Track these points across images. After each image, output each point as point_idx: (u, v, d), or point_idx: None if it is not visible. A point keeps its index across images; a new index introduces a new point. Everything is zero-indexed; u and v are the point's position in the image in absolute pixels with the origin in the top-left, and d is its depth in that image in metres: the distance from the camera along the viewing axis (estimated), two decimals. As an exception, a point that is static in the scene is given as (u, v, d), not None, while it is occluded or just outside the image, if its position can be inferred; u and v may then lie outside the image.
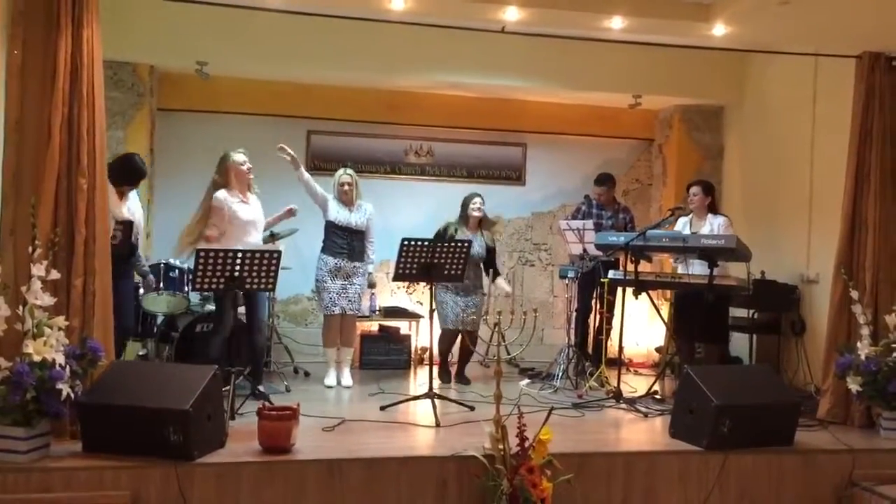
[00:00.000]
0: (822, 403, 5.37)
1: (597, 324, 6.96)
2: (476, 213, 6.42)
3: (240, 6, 5.32)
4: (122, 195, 5.40)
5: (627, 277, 5.86)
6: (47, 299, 4.02)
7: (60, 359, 3.92)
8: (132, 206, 5.48)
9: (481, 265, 6.46)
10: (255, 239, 5.63)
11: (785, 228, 6.76)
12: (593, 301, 6.91)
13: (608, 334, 6.62)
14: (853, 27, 5.17)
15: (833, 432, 4.94)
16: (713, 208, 6.41)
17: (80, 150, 4.35)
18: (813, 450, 4.63)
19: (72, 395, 3.93)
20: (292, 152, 5.95)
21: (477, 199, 6.46)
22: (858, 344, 5.05)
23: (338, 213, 6.14)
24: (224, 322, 5.46)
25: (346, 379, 6.21)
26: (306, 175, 6.09)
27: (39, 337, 3.93)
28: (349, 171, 6.31)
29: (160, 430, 3.86)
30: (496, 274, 6.53)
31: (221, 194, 5.53)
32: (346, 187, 6.19)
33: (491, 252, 6.54)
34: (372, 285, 6.53)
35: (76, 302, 4.29)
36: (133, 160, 5.48)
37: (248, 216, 5.60)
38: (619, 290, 6.24)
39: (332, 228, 6.17)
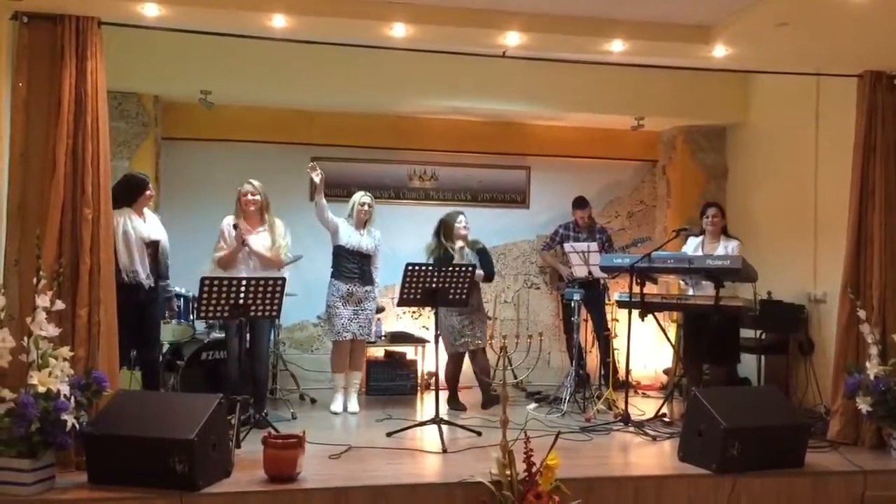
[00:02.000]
0: (832, 424, 5.34)
1: (595, 345, 6.97)
2: (464, 231, 6.40)
3: (243, 35, 5.36)
4: (139, 217, 5.46)
5: (633, 299, 5.85)
6: (52, 330, 4.03)
7: (65, 389, 3.93)
8: (153, 228, 5.51)
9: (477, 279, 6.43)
10: (246, 266, 5.63)
11: (791, 248, 6.73)
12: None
13: (608, 355, 6.60)
14: (853, 46, 5.18)
15: (844, 453, 4.90)
16: (724, 230, 6.37)
17: (84, 180, 4.39)
18: (824, 471, 4.59)
19: (77, 426, 3.92)
20: (322, 174, 5.97)
21: (462, 217, 6.45)
22: (867, 363, 5.02)
23: (349, 238, 6.16)
24: (231, 350, 5.56)
25: (353, 405, 6.19)
26: (323, 200, 6.10)
27: (44, 368, 3.93)
28: (369, 196, 6.36)
29: (165, 460, 3.85)
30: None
31: (226, 219, 5.71)
32: (367, 207, 6.24)
33: (484, 257, 6.49)
34: (380, 310, 6.51)
35: (81, 332, 4.31)
36: (131, 176, 5.63)
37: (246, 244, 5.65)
38: (624, 311, 6.24)
39: (342, 253, 6.18)
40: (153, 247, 5.47)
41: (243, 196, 5.72)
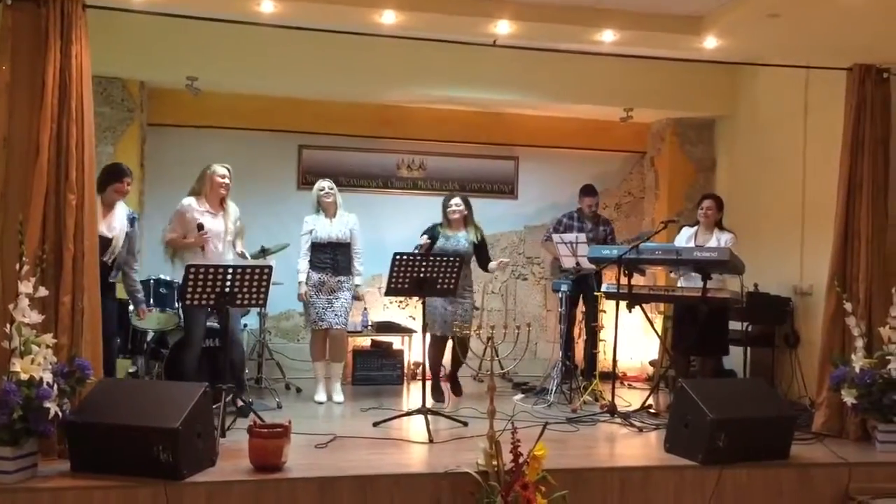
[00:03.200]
0: (817, 416, 5.36)
1: (581, 336, 6.95)
2: (455, 216, 6.36)
3: (230, 21, 5.30)
4: (108, 209, 5.28)
5: (621, 291, 5.84)
6: (35, 317, 3.98)
7: (48, 377, 3.88)
8: (115, 223, 5.29)
9: (472, 266, 6.41)
10: (217, 250, 5.55)
11: (778, 240, 6.75)
12: (577, 312, 6.87)
13: (595, 346, 6.61)
14: (844, 39, 5.19)
15: (829, 445, 4.92)
16: (719, 223, 6.33)
17: (68, 165, 4.33)
18: (809, 463, 4.61)
19: (59, 414, 3.88)
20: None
21: (454, 200, 6.40)
22: (853, 356, 5.04)
23: (318, 231, 6.12)
24: (194, 337, 5.51)
25: (338, 395, 6.16)
26: (303, 266, 6.14)
27: (27, 355, 3.89)
28: (329, 180, 6.31)
29: (149, 449, 3.81)
30: (487, 262, 6.44)
31: (187, 201, 5.60)
32: (326, 191, 6.17)
33: (480, 247, 6.44)
34: (358, 298, 6.43)
35: (65, 319, 4.25)
36: (110, 165, 5.50)
37: (212, 227, 5.54)
38: (611, 303, 6.24)
39: (314, 245, 6.15)
40: (102, 245, 5.02)
41: (219, 178, 5.57)
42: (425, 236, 6.27)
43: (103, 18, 4.78)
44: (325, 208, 6.19)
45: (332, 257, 6.13)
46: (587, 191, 7.19)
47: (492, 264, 6.38)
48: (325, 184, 6.25)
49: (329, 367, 6.27)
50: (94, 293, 4.38)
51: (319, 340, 6.23)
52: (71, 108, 4.35)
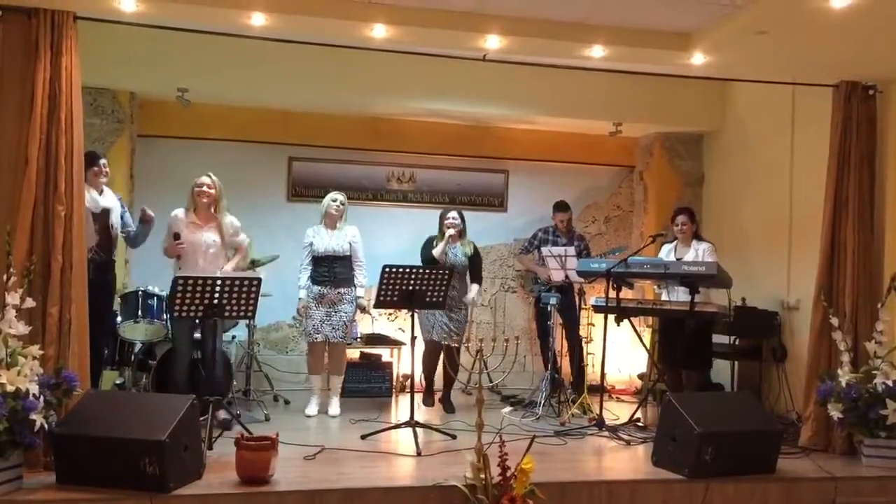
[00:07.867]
0: (803, 430, 5.38)
1: (564, 349, 6.98)
2: (449, 224, 6.44)
3: (221, 33, 5.31)
4: (99, 191, 5.40)
5: (609, 304, 5.86)
6: (22, 328, 3.98)
7: (34, 388, 3.87)
8: (105, 199, 5.45)
9: (467, 278, 6.51)
10: (203, 261, 5.55)
11: (765, 255, 6.79)
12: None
13: (583, 359, 6.62)
14: (830, 56, 5.23)
15: (815, 460, 4.95)
16: (696, 234, 6.41)
17: (57, 176, 4.33)
18: (795, 477, 4.62)
19: (45, 426, 3.87)
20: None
21: (451, 213, 6.49)
22: (839, 370, 5.06)
23: (318, 244, 6.11)
24: (181, 350, 5.52)
25: (334, 408, 6.11)
26: (302, 280, 6.12)
27: (13, 366, 3.87)
28: (343, 194, 6.31)
29: (136, 462, 3.80)
30: (472, 280, 6.56)
31: (175, 212, 5.66)
32: (338, 204, 6.18)
33: (473, 261, 6.54)
34: (362, 309, 6.42)
35: (52, 330, 4.25)
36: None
37: (197, 238, 5.56)
38: (599, 316, 6.25)
39: (314, 258, 6.13)
40: (103, 216, 5.36)
41: (198, 187, 5.61)
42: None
43: (94, 30, 4.79)
44: (329, 220, 6.18)
45: (330, 269, 6.11)
46: (558, 207, 7.29)
47: (470, 295, 6.46)
48: (339, 197, 6.24)
49: (329, 381, 6.25)
50: (81, 304, 4.37)
51: (316, 353, 6.18)
52: (60, 119, 4.36)
